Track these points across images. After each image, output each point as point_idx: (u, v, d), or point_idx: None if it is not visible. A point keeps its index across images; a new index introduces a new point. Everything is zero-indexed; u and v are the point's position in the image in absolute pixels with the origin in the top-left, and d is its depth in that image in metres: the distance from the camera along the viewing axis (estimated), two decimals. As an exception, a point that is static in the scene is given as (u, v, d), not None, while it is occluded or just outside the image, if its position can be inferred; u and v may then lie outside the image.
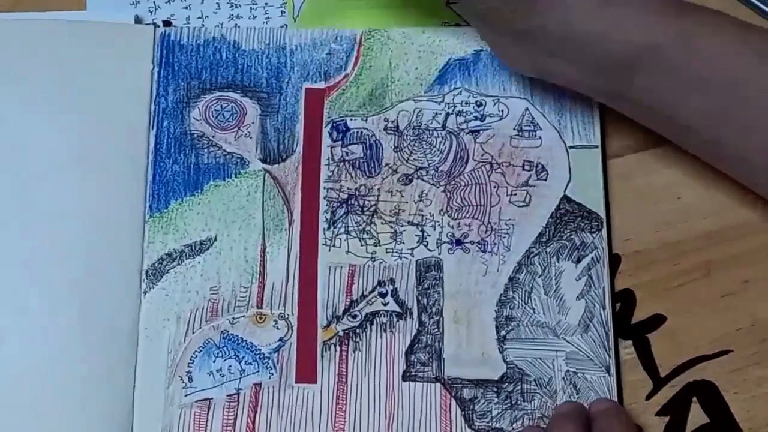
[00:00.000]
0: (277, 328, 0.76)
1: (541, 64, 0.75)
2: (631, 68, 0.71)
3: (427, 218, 0.78)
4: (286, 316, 0.76)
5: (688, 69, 0.70)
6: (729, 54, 0.70)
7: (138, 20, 0.81)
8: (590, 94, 0.76)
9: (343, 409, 0.75)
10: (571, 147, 0.79)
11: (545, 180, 0.79)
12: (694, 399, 0.75)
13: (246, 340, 0.76)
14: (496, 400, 0.75)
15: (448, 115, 0.80)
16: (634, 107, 0.75)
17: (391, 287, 0.77)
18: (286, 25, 0.82)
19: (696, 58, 0.70)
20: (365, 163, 0.79)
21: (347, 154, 0.79)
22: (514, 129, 0.80)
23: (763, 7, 0.82)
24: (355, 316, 0.76)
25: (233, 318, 0.76)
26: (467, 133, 0.80)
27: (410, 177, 0.79)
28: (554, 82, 0.76)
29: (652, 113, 0.74)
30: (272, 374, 0.75)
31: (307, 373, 0.75)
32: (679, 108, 0.72)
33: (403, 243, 0.78)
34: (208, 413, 0.74)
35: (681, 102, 0.72)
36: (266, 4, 0.83)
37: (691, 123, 0.73)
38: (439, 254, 0.77)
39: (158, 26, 0.81)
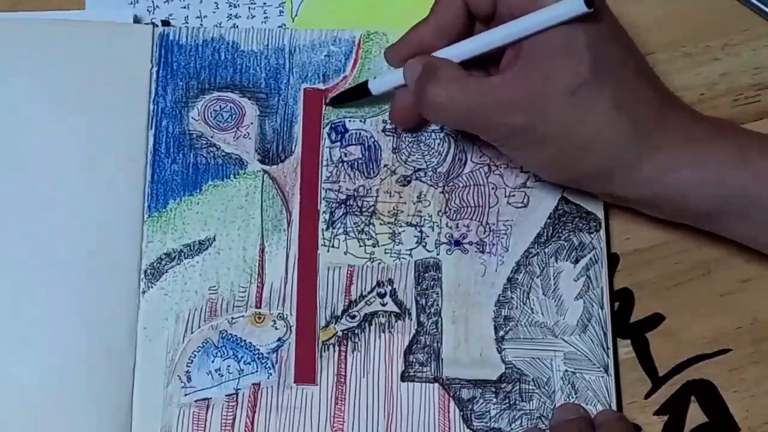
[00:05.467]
0: (276, 329, 0.76)
1: (614, 200, 0.77)
2: (713, 216, 0.73)
3: (425, 219, 0.78)
4: (285, 317, 0.76)
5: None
6: None
7: (137, 20, 0.81)
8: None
9: (342, 409, 0.74)
10: (570, 149, 0.79)
11: (543, 181, 0.79)
12: (693, 398, 0.75)
13: (245, 340, 0.75)
14: (494, 400, 0.75)
15: (446, 117, 0.80)
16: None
17: (389, 288, 0.77)
18: (284, 25, 0.82)
19: None
20: (364, 164, 0.79)
21: (346, 155, 0.79)
22: (512, 131, 0.80)
23: (763, 7, 0.82)
24: (353, 317, 0.76)
25: (232, 318, 0.76)
26: (465, 135, 0.80)
27: (409, 178, 0.79)
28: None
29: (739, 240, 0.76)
30: (271, 374, 0.75)
31: (305, 373, 0.75)
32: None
33: (402, 244, 0.78)
34: (206, 413, 0.74)
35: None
36: (265, 4, 0.83)
37: None
38: (438, 255, 0.77)
39: (157, 26, 0.81)
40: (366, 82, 0.78)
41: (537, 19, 0.71)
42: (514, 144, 0.73)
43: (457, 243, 0.78)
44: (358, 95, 0.79)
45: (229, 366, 0.75)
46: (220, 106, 0.80)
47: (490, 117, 0.72)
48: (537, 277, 0.77)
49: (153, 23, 0.81)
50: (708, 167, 0.71)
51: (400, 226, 0.78)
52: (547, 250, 0.78)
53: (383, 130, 0.80)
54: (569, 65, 0.70)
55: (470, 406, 0.75)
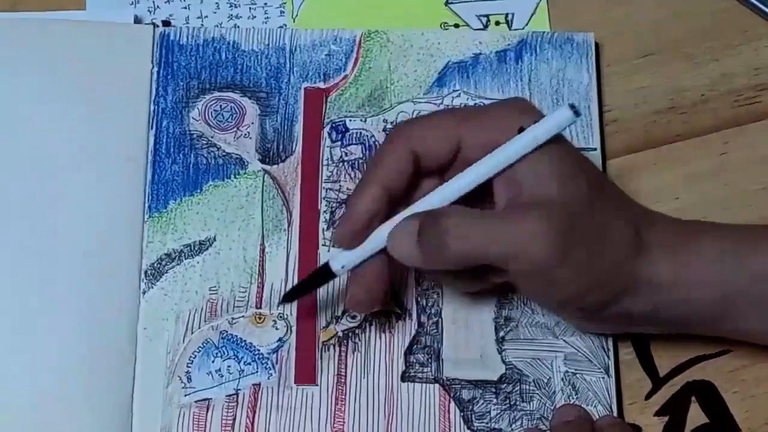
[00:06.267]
0: (276, 329, 0.76)
1: (618, 329, 0.75)
2: (718, 319, 0.71)
3: (425, 219, 0.78)
4: (285, 317, 0.76)
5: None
6: None
7: (137, 20, 0.81)
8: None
9: (342, 409, 0.74)
10: (570, 149, 0.79)
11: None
12: (693, 399, 0.75)
13: (245, 341, 0.75)
14: (494, 400, 0.75)
15: (446, 117, 0.80)
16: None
17: (390, 288, 0.77)
18: (285, 25, 0.82)
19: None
20: (364, 164, 0.79)
21: (346, 154, 0.79)
22: (512, 131, 0.80)
23: (763, 7, 0.82)
24: (354, 317, 0.76)
25: (232, 318, 0.76)
26: (465, 134, 0.80)
27: (409, 178, 0.79)
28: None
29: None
30: (271, 375, 0.75)
31: (306, 373, 0.75)
32: None
33: (402, 244, 0.78)
34: (207, 413, 0.74)
35: None
36: (265, 4, 0.83)
37: None
38: (438, 255, 0.77)
39: (157, 26, 0.81)
40: (327, 264, 0.72)
41: (528, 138, 0.68)
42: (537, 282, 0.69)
43: (458, 243, 0.77)
44: (319, 282, 0.73)
45: (229, 366, 0.75)
46: (221, 105, 0.80)
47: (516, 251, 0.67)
48: (538, 278, 0.77)
49: (153, 23, 0.81)
50: (704, 266, 0.69)
51: (401, 226, 0.78)
52: (547, 250, 0.77)
53: (384, 130, 0.80)
54: (577, 184, 0.68)
55: (470, 407, 0.74)
